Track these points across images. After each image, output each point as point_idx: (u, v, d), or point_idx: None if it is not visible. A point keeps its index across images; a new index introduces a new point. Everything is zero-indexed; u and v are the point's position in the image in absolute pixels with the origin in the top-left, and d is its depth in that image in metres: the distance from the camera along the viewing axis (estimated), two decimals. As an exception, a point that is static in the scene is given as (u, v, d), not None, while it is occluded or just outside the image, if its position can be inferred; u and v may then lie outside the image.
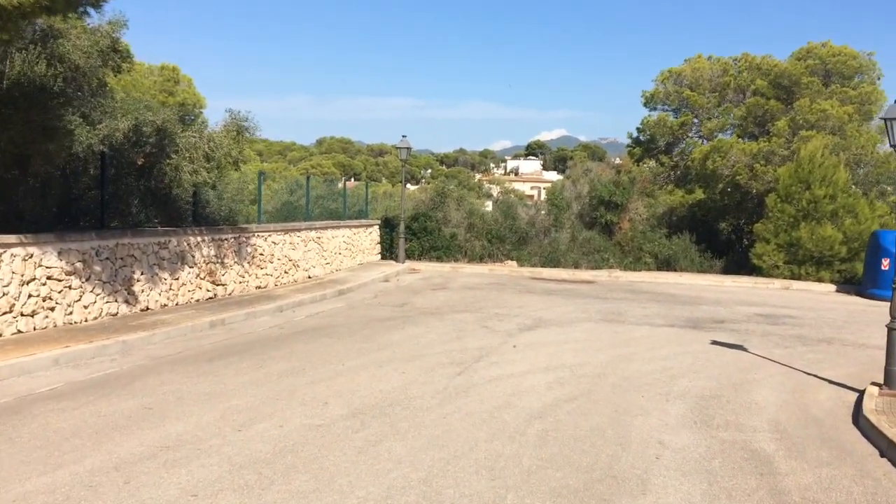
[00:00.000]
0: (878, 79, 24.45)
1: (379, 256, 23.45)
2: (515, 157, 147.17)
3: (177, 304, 12.47)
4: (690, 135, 28.71)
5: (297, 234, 17.20)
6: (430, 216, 24.45)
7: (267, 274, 15.68)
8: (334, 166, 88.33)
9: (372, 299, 15.53)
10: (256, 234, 15.25)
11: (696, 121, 28.30)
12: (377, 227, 23.40)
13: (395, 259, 22.43)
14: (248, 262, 14.85)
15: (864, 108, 23.65)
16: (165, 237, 12.23)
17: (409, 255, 23.47)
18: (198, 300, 13.11)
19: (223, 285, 13.92)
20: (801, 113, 23.36)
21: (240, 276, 14.56)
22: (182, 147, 11.65)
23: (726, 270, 23.25)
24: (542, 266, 23.72)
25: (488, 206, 29.08)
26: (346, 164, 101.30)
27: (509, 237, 24.90)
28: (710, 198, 27.11)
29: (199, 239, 13.14)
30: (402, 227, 22.36)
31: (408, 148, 21.98)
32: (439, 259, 23.79)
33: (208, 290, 13.44)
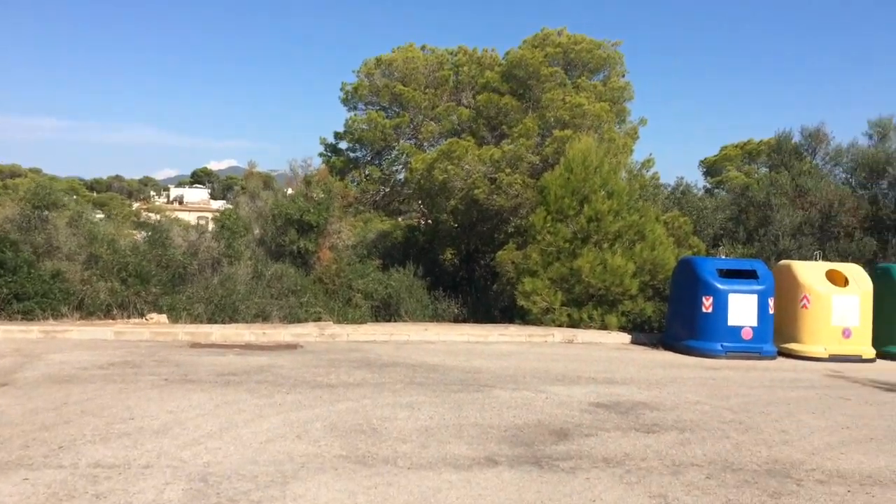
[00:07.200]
0: (623, 75, 20.31)
1: None
2: (180, 185, 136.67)
3: None
4: (405, 141, 22.49)
5: None
6: (16, 243, 14.58)
7: None
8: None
9: None
10: None
11: (412, 123, 22.12)
12: None
13: (-64, 320, 12.34)
14: None
15: (617, 106, 19.33)
16: None
17: (-30, 311, 13.51)
18: None
19: None
20: (551, 109, 18.25)
21: None
22: None
23: (473, 316, 17.07)
24: (209, 320, 15.26)
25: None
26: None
27: (157, 275, 15.95)
28: (435, 218, 21.11)
29: None
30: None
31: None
32: (27, 315, 13.93)
33: None
